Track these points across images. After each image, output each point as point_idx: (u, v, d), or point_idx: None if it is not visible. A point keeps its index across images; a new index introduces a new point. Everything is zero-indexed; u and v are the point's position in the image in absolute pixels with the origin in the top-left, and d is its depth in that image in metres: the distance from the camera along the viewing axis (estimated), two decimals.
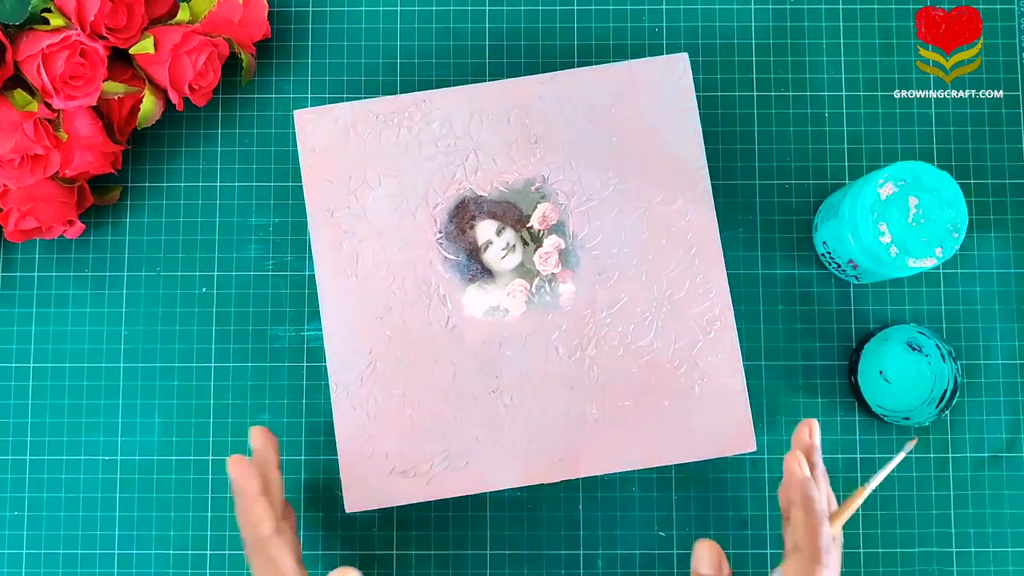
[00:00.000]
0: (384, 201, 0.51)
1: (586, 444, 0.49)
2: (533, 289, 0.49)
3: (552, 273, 0.49)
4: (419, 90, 0.53)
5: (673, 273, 0.50)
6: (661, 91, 0.51)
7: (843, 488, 0.49)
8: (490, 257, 0.49)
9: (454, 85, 0.55)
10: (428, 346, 0.50)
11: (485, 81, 0.52)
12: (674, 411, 0.49)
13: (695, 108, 0.51)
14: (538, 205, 0.50)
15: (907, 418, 0.52)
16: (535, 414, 0.49)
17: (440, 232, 0.50)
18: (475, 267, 0.49)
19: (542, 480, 0.49)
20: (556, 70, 0.54)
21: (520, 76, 0.55)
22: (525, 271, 0.50)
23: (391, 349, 0.50)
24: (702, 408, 0.49)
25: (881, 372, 0.53)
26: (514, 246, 0.49)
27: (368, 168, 0.51)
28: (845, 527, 0.52)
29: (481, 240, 0.49)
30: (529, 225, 0.49)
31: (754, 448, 0.49)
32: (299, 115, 0.51)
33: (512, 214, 0.49)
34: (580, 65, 0.55)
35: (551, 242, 0.49)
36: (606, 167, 0.51)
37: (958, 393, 0.52)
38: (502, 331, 0.50)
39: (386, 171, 0.51)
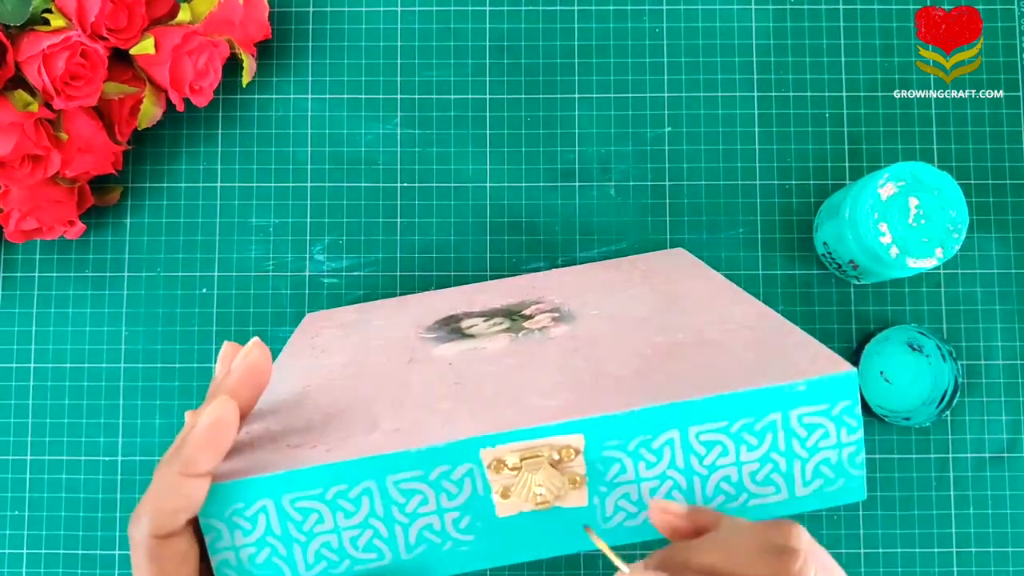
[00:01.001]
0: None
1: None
2: (519, 337, 0.42)
3: (544, 327, 0.43)
4: (419, 91, 0.53)
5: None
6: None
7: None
8: (474, 332, 0.44)
9: (454, 85, 0.55)
10: (379, 374, 0.40)
11: (485, 80, 0.52)
12: (708, 354, 0.35)
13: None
14: (532, 306, 0.46)
15: (907, 418, 0.52)
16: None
17: (421, 329, 0.46)
18: (455, 336, 0.43)
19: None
20: (555, 69, 0.55)
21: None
22: (511, 327, 0.43)
23: (330, 379, 0.39)
24: (742, 345, 0.35)
25: (882, 372, 0.53)
26: (501, 322, 0.44)
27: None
28: (844, 527, 0.52)
29: (465, 326, 0.45)
30: (521, 313, 0.45)
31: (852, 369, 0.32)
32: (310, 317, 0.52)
33: (502, 311, 0.46)
34: (580, 63, 0.55)
35: (544, 317, 0.44)
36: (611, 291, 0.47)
37: (959, 393, 0.52)
38: (476, 355, 0.40)
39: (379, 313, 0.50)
